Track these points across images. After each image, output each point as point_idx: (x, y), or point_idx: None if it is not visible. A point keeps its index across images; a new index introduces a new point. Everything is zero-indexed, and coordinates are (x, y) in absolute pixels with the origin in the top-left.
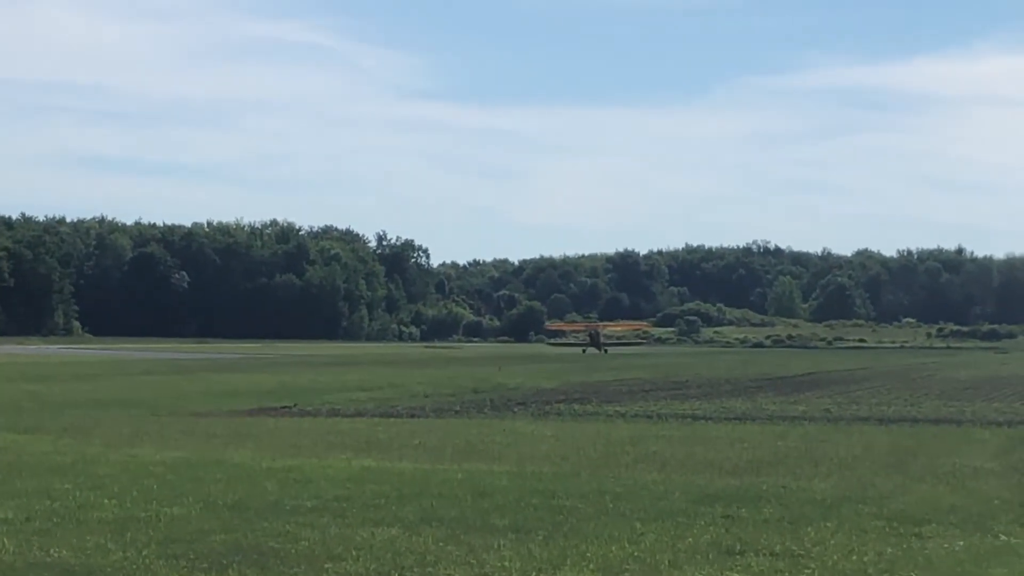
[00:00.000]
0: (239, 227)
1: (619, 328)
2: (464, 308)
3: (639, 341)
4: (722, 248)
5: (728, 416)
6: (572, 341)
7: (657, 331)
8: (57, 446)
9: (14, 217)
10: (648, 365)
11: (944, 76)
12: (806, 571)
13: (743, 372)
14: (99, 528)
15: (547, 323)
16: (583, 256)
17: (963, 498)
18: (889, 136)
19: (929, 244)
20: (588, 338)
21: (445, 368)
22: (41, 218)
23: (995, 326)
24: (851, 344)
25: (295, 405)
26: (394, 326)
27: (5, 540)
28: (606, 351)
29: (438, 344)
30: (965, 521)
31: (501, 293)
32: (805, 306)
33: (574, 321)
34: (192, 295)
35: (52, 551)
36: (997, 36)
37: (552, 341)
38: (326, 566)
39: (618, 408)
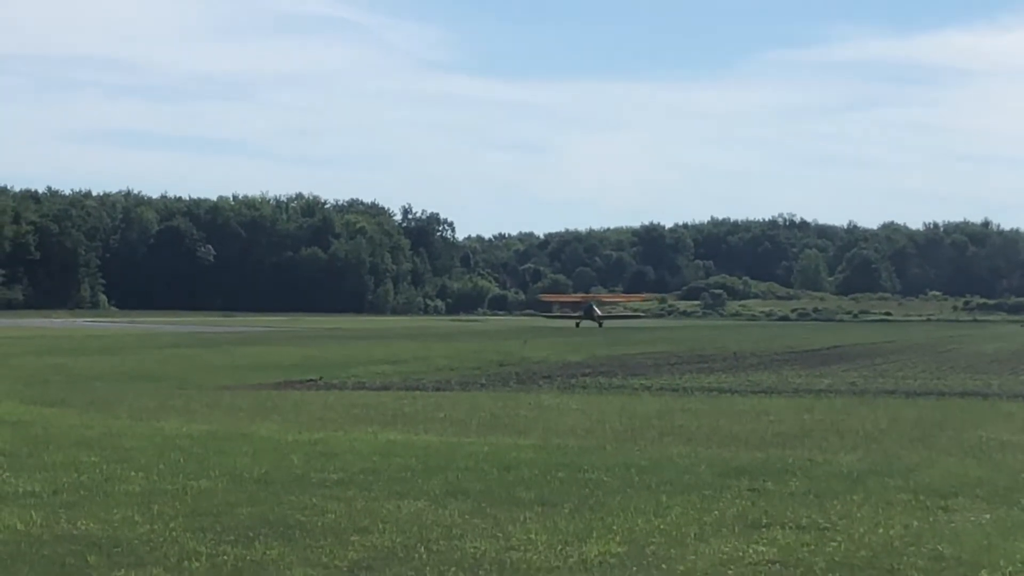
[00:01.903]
0: (265, 201)
1: (616, 300)
2: (489, 281)
3: (638, 314)
4: (748, 221)
5: (754, 389)
6: (566, 314)
7: (647, 305)
8: (83, 419)
9: (41, 191)
10: (673, 338)
11: (970, 49)
12: (832, 544)
13: (769, 345)
14: (126, 501)
15: (540, 295)
16: (608, 229)
17: (990, 471)
18: (915, 109)
19: (955, 217)
20: (582, 311)
21: (471, 341)
22: (68, 192)
23: (1022, 299)
24: (877, 317)
25: (321, 378)
26: (419, 299)
27: (33, 513)
28: (601, 324)
29: (463, 317)
30: (992, 494)
31: (526, 266)
32: (831, 279)
33: (568, 293)
34: (218, 269)
35: (79, 524)
36: (1023, 9)
37: (545, 314)
38: (352, 539)
39: (644, 381)
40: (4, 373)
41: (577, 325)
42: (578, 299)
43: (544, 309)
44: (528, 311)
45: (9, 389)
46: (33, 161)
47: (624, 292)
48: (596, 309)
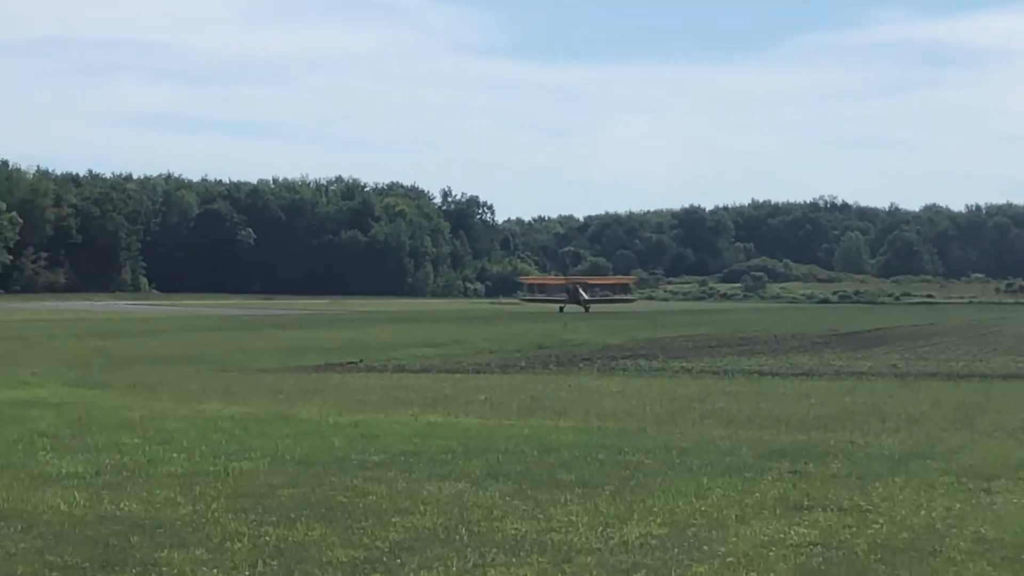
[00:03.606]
0: (304, 184)
1: (603, 282)
2: (529, 264)
3: (627, 298)
4: (788, 203)
5: (795, 372)
6: (548, 298)
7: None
8: (125, 401)
9: (81, 174)
10: (714, 321)
11: (1010, 30)
12: (874, 526)
13: (810, 328)
14: (168, 482)
15: (523, 277)
16: (648, 212)
17: None
18: (956, 91)
19: (998, 199)
20: (566, 294)
21: (510, 324)
22: (108, 175)
23: None
24: (919, 300)
25: (361, 361)
26: (459, 282)
27: (76, 494)
28: (587, 309)
29: (503, 300)
30: None
31: (566, 249)
32: (872, 261)
33: (551, 275)
34: (258, 252)
35: (122, 504)
36: None
37: (526, 297)
38: (393, 520)
39: (684, 364)
40: (47, 356)
41: (561, 310)
42: (561, 281)
43: (529, 292)
44: (501, 298)
45: (52, 371)
46: (74, 145)
47: (665, 272)
48: (582, 292)
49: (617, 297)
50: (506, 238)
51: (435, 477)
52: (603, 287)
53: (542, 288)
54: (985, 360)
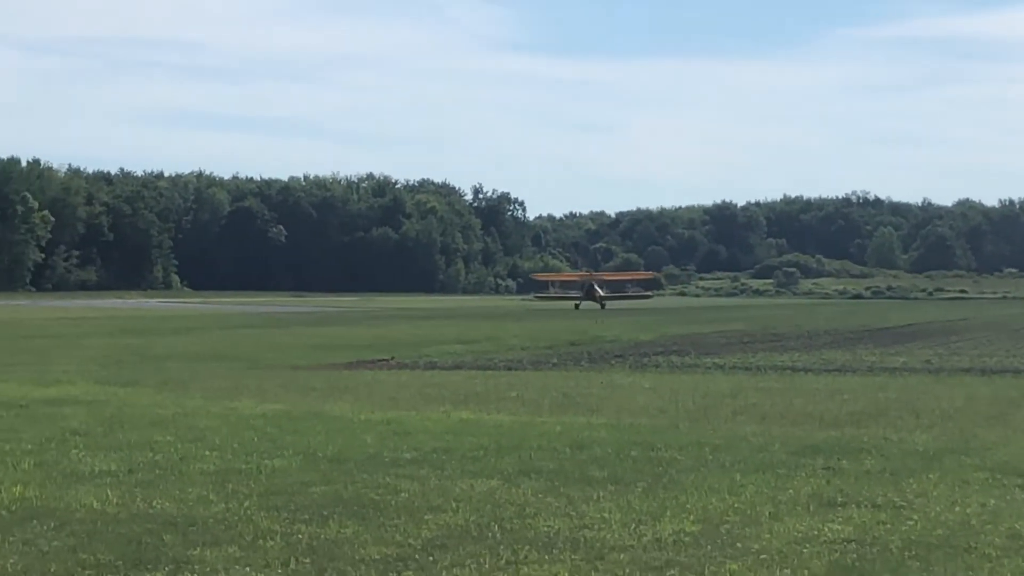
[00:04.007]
0: (335, 181)
1: (619, 278)
2: (561, 261)
3: (644, 294)
4: (821, 199)
5: (828, 368)
6: (561, 294)
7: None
8: (157, 399)
9: (113, 172)
10: (746, 317)
11: None
12: (908, 522)
13: (842, 323)
14: (201, 480)
15: (534, 273)
16: (680, 208)
17: None
18: (989, 85)
19: None
20: (582, 291)
21: (542, 321)
22: (140, 173)
23: None
24: (952, 295)
25: (393, 358)
26: (490, 279)
27: (109, 492)
28: (603, 306)
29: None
30: None
31: (598, 246)
32: (905, 257)
33: (566, 271)
34: (289, 249)
35: (155, 503)
36: None
37: (537, 295)
38: (426, 517)
39: (716, 360)
40: (78, 354)
41: (576, 307)
42: (576, 277)
43: (540, 289)
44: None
45: (83, 369)
46: (106, 143)
47: (697, 268)
48: (597, 289)
49: (633, 293)
50: (537, 234)
51: (467, 474)
52: (627, 283)
53: (556, 285)
54: (1019, 355)
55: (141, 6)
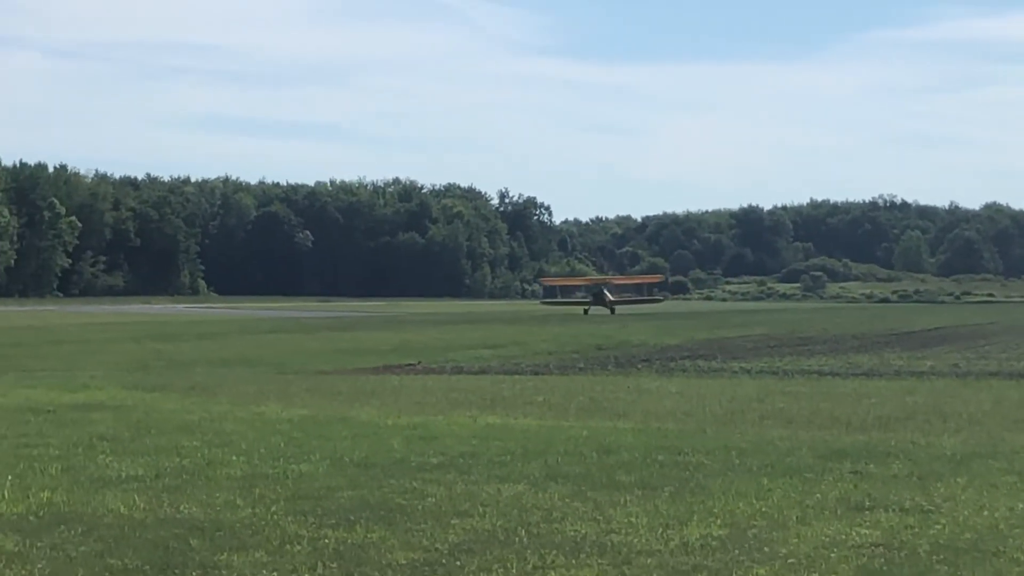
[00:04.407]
0: (362, 186)
1: (630, 281)
2: (587, 265)
3: (655, 298)
4: (847, 203)
5: (855, 372)
6: (569, 300)
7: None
8: (184, 404)
9: (140, 178)
10: (772, 321)
11: None
12: (936, 526)
13: (870, 327)
14: (228, 484)
15: (542, 277)
16: (706, 212)
17: None
18: (1017, 88)
19: None
20: (591, 296)
21: (568, 325)
22: (166, 178)
23: None
24: (979, 299)
25: (419, 362)
26: (517, 284)
27: (136, 496)
28: (613, 311)
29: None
30: None
31: (624, 250)
32: (932, 260)
33: (576, 275)
34: (315, 254)
35: (182, 507)
36: None
37: (545, 300)
38: (452, 522)
39: (743, 364)
40: (106, 359)
41: (586, 312)
42: (586, 282)
43: (549, 294)
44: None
45: (110, 374)
46: (132, 148)
47: (723, 272)
48: (608, 293)
49: (643, 298)
50: (564, 239)
51: (494, 479)
52: (634, 287)
53: (563, 290)
54: None
55: (169, 11)
